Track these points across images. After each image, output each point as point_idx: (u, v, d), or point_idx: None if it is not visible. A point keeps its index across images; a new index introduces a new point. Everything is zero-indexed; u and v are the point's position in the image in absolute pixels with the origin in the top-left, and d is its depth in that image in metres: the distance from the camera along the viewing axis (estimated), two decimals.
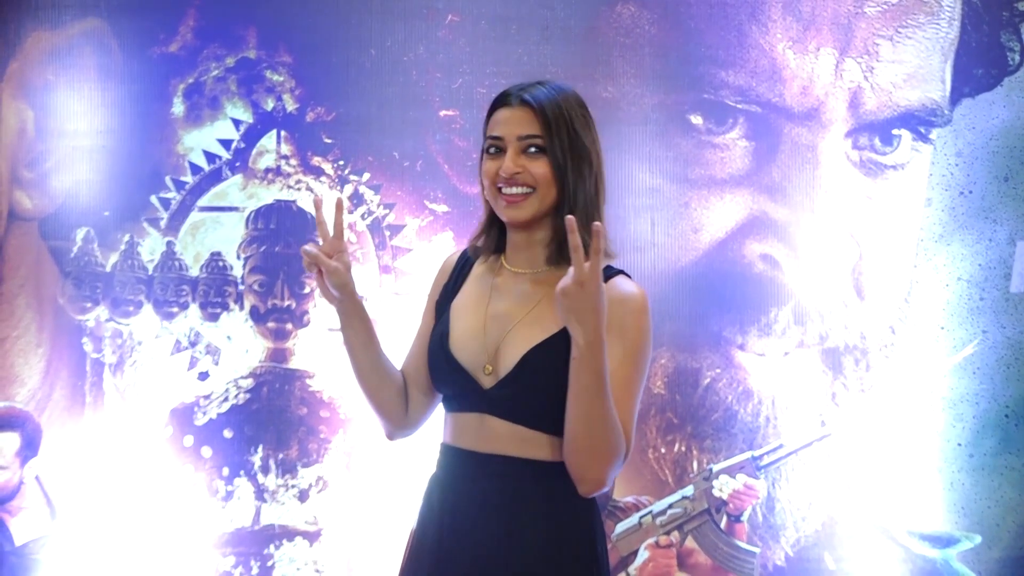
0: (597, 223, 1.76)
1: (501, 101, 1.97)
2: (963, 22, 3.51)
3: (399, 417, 2.07)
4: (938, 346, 3.50)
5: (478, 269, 2.05)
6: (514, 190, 1.93)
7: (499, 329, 1.95)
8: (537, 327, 1.93)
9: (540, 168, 1.92)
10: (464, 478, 1.95)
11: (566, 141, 1.92)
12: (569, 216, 1.78)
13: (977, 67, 3.51)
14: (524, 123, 1.93)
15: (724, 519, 3.51)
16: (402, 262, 3.56)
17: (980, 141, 3.50)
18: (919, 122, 3.51)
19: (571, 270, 1.77)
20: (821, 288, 3.51)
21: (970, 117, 3.51)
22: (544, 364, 1.89)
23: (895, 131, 3.51)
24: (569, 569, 1.92)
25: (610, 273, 1.96)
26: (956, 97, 3.51)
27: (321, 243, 1.98)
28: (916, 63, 3.51)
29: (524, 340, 1.92)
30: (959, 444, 3.49)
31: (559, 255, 1.96)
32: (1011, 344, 3.49)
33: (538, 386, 1.90)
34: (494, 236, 2.04)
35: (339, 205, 2.00)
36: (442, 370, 1.98)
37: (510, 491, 1.91)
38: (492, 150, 1.95)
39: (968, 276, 3.50)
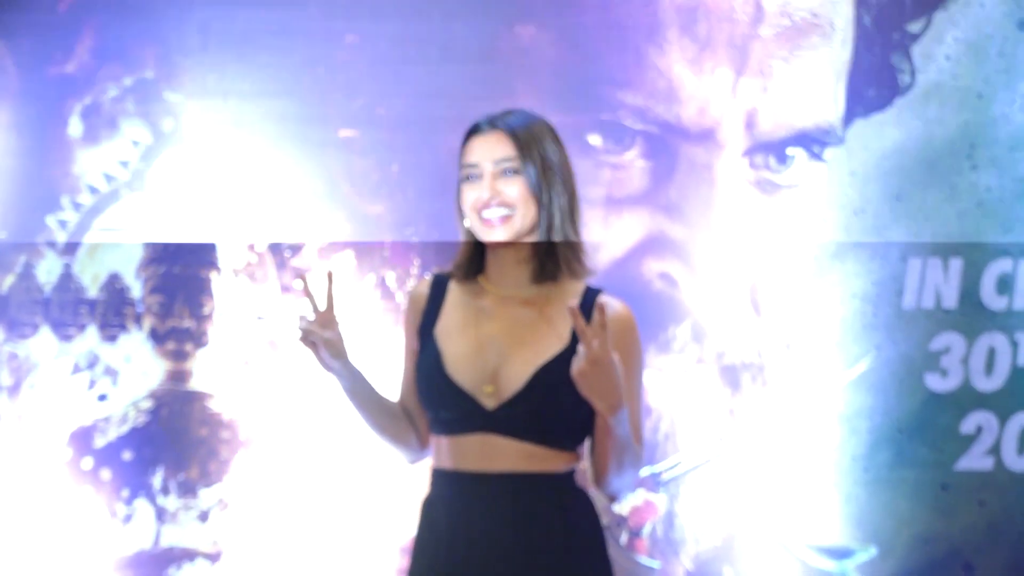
0: (572, 305, 1.80)
1: (473, 130, 2.03)
2: (855, 44, 3.57)
3: (416, 444, 2.12)
4: (833, 362, 3.55)
5: (455, 292, 2.08)
6: (493, 213, 1.99)
7: (496, 350, 1.98)
8: (540, 346, 1.97)
9: (516, 189, 1.98)
10: (472, 499, 1.98)
11: (538, 160, 1.99)
12: (571, 305, 1.81)
13: (869, 88, 3.57)
14: (497, 147, 1.99)
15: (624, 534, 3.55)
16: (301, 283, 3.56)
17: (873, 160, 3.56)
18: (813, 142, 3.57)
19: (580, 350, 1.82)
20: (718, 306, 3.55)
21: (863, 137, 3.56)
22: (555, 381, 1.93)
23: (789, 151, 3.57)
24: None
25: (592, 295, 2.03)
26: (849, 117, 3.57)
27: (312, 317, 2.00)
28: (810, 84, 3.56)
29: (528, 360, 1.96)
30: (854, 458, 3.54)
31: (542, 273, 2.01)
32: (904, 359, 3.55)
33: (550, 404, 1.94)
34: (471, 259, 2.08)
35: (330, 277, 2.05)
36: (441, 394, 2.00)
37: (523, 506, 1.96)
38: (469, 177, 2.01)
39: (862, 293, 3.56)
